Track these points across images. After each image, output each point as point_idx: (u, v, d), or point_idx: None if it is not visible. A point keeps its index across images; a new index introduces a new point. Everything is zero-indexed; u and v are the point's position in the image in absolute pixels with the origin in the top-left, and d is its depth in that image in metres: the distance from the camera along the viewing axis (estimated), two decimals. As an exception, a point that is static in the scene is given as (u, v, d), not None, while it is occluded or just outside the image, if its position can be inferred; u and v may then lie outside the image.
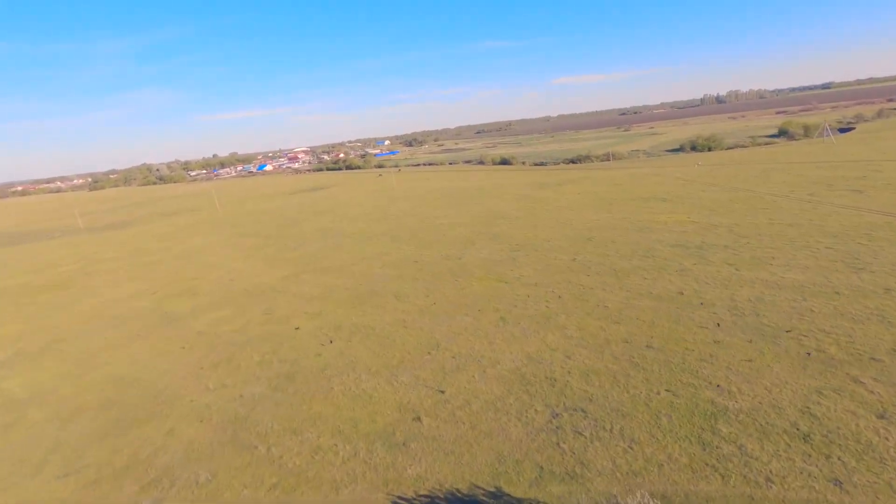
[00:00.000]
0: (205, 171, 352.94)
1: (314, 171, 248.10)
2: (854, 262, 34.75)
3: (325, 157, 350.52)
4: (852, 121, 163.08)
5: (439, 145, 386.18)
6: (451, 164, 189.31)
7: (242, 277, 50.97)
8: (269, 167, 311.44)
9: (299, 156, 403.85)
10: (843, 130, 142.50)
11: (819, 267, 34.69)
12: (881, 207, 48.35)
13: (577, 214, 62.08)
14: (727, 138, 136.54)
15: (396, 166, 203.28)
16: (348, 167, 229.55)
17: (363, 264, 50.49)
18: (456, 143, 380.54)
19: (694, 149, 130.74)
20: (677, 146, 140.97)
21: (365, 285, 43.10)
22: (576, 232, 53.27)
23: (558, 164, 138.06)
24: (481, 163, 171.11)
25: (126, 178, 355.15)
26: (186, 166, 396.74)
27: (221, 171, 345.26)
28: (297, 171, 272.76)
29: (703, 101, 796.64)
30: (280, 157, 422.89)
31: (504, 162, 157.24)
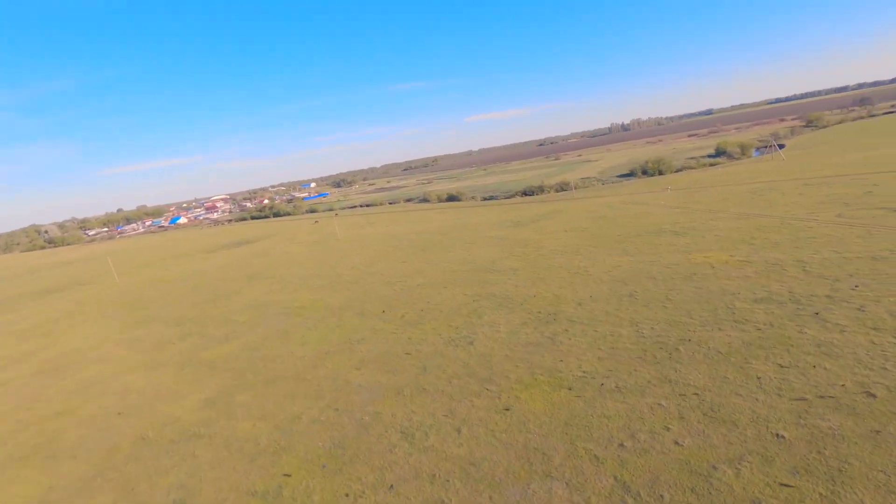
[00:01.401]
0: (106, 229, 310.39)
1: (237, 220, 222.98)
2: None
3: (248, 204, 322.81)
4: (769, 139, 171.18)
5: (371, 184, 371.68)
6: (391, 203, 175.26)
7: (139, 406, 32.78)
8: (183, 219, 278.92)
9: (218, 205, 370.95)
10: (768, 147, 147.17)
11: None
12: (950, 227, 40.83)
13: (587, 259, 50.03)
14: (671, 161, 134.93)
15: (332, 210, 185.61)
16: (276, 214, 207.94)
17: (329, 365, 34.35)
18: (388, 181, 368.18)
19: (645, 173, 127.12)
20: (627, 171, 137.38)
21: (345, 413, 27.16)
22: (604, 286, 40.81)
23: (512, 196, 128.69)
24: (426, 200, 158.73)
25: (7, 243, 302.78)
26: (84, 224, 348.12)
27: (126, 227, 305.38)
28: (216, 221, 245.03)
29: (610, 129, 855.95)
30: (196, 208, 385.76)
31: (452, 198, 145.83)
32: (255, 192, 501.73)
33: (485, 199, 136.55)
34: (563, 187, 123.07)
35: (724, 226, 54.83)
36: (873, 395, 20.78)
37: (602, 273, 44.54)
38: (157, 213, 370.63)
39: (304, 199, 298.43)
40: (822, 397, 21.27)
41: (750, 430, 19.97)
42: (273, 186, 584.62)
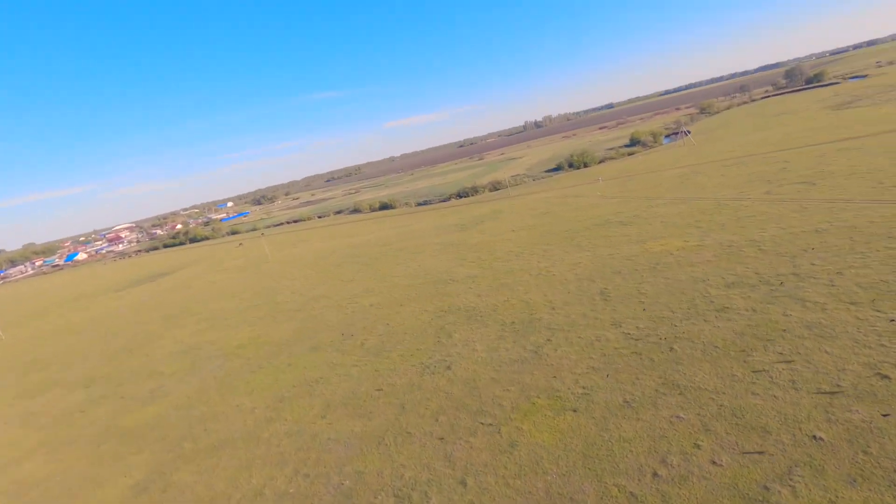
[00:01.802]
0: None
1: (148, 250, 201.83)
2: None
3: (159, 231, 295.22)
4: (675, 126, 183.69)
5: (294, 199, 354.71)
6: (321, 217, 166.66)
7: (45, 506, 25.70)
8: (82, 255, 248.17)
9: (122, 235, 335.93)
10: (676, 133, 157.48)
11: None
12: (863, 195, 43.43)
13: (545, 259, 48.25)
14: (594, 153, 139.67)
15: (256, 230, 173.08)
16: (193, 240, 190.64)
17: (288, 416, 29.20)
18: (313, 194, 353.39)
19: (571, 166, 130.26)
20: (554, 165, 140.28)
21: (318, 480, 22.48)
22: (572, 286, 38.98)
23: (448, 199, 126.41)
24: (357, 211, 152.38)
25: None
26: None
27: (12, 270, 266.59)
28: (123, 254, 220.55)
29: (525, 126, 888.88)
30: (97, 241, 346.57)
31: (386, 206, 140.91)
32: (164, 217, 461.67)
33: (420, 204, 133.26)
34: (496, 186, 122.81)
35: (665, 211, 55.62)
36: (886, 377, 19.93)
37: (565, 272, 42.80)
38: (49, 250, 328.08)
39: (222, 220, 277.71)
40: (838, 386, 20.12)
41: (784, 434, 18.22)
42: (185, 210, 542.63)
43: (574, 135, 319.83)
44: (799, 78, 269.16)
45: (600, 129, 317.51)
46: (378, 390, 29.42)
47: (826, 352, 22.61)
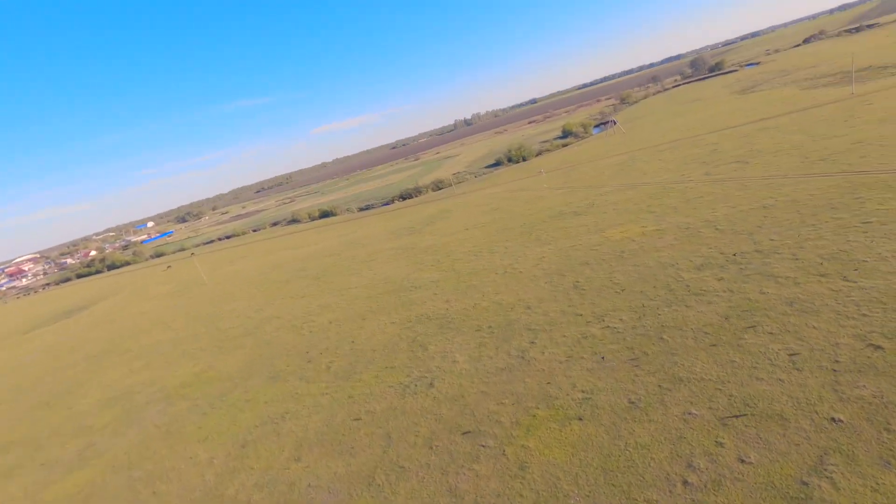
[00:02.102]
0: None
1: (58, 283, 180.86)
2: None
3: (69, 260, 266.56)
4: (600, 116, 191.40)
5: (223, 213, 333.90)
6: (256, 230, 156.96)
7: None
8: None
9: (25, 267, 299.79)
10: (606, 122, 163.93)
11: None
12: (795, 170, 45.89)
13: (507, 256, 46.86)
14: (530, 146, 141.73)
15: (184, 250, 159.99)
16: (112, 266, 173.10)
17: (255, 464, 25.44)
18: (244, 207, 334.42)
19: (510, 160, 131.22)
20: (493, 161, 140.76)
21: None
22: (542, 282, 37.77)
23: (391, 202, 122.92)
24: (296, 221, 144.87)
25: None
26: None
27: None
28: (28, 289, 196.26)
29: (455, 125, 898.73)
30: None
31: (326, 214, 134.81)
32: (75, 243, 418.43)
33: (362, 209, 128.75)
34: (439, 185, 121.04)
35: (615, 199, 56.22)
36: (880, 347, 19.94)
37: (532, 268, 41.56)
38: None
39: (143, 242, 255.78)
40: (837, 362, 19.88)
41: (802, 420, 17.52)
42: (99, 234, 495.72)
43: (505, 130, 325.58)
44: (703, 67, 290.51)
45: (529, 123, 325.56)
46: (356, 420, 26.36)
47: (813, 327, 22.54)
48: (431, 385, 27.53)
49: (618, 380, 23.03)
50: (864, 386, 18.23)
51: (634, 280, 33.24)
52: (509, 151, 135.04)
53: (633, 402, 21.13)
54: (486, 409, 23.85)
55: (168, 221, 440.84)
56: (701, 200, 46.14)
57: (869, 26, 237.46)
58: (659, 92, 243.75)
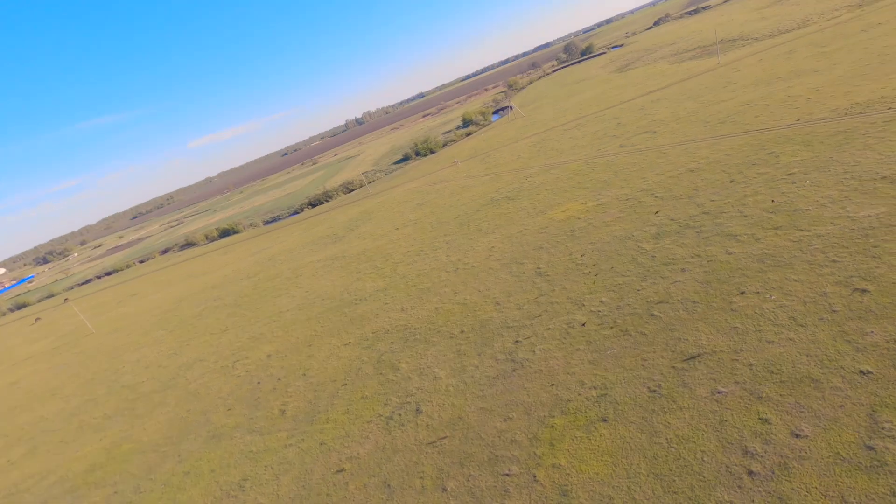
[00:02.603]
0: None
1: None
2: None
3: None
4: (493, 104, 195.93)
5: (96, 246, 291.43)
6: (143, 261, 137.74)
7: None
8: None
9: None
10: (502, 108, 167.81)
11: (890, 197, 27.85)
12: (701, 134, 48.71)
13: (453, 251, 44.11)
14: (435, 138, 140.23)
15: (54, 296, 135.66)
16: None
17: (220, 555, 20.03)
18: (121, 237, 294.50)
19: (418, 154, 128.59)
20: (401, 156, 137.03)
21: None
22: (503, 273, 35.61)
23: (300, 211, 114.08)
24: (191, 244, 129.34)
25: None
26: None
27: None
28: None
29: (347, 125, 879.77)
30: None
31: (227, 233, 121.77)
32: None
33: (268, 222, 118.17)
34: (349, 187, 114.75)
35: (543, 179, 55.98)
36: (865, 290, 20.26)
37: (485, 261, 39.23)
38: None
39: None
40: (834, 311, 19.86)
41: (833, 378, 16.92)
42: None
43: (401, 126, 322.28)
44: (575, 51, 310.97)
45: (424, 116, 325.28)
46: (339, 472, 21.97)
47: (794, 280, 22.65)
48: (419, 411, 23.92)
49: (626, 368, 21.35)
50: (872, 332, 18.17)
51: (597, 258, 32.22)
52: (415, 145, 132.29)
53: (654, 391, 19.48)
54: (493, 428, 20.89)
55: (25, 265, 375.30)
56: (628, 171, 47.04)
57: (704, 8, 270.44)
58: (542, 76, 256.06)
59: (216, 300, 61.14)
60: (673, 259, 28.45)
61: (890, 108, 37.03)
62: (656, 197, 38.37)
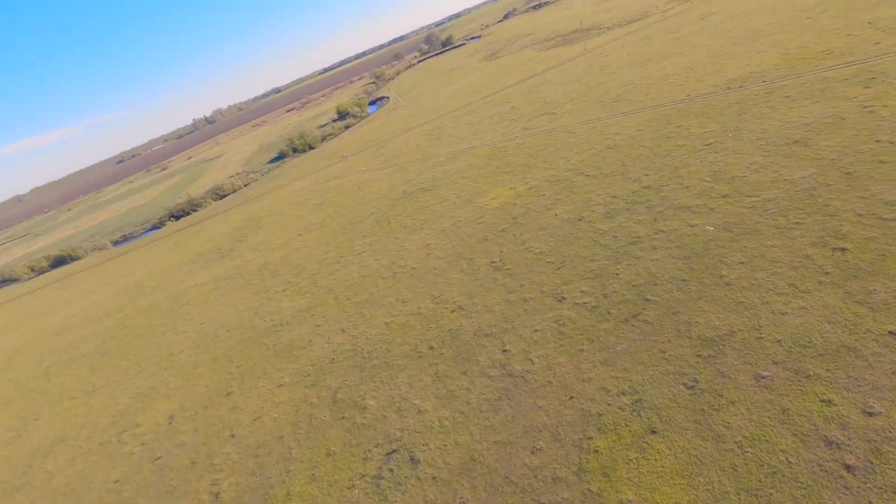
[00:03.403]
0: None
1: None
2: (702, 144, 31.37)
3: None
4: (365, 95, 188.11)
5: None
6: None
7: None
8: None
9: None
10: (378, 99, 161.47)
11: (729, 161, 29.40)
12: (602, 112, 49.96)
13: (383, 254, 38.76)
14: (313, 133, 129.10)
15: None
16: None
17: None
18: None
19: (296, 150, 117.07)
20: (275, 154, 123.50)
21: None
22: (455, 274, 31.63)
23: (162, 225, 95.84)
24: (12, 281, 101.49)
25: None
26: None
27: None
28: None
29: (195, 125, 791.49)
30: None
31: (63, 261, 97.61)
32: None
33: (118, 242, 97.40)
34: (221, 193, 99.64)
35: (455, 167, 52.92)
36: (845, 249, 20.53)
37: (425, 260, 34.75)
38: None
39: None
40: (828, 273, 19.70)
41: (870, 344, 16.27)
42: None
43: (264, 122, 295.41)
44: (436, 42, 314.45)
45: (289, 111, 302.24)
46: None
47: (772, 246, 22.46)
48: (415, 460, 18.98)
49: (647, 364, 19.01)
50: (875, 289, 18.10)
51: (554, 245, 29.92)
52: (291, 141, 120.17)
53: (692, 387, 17.34)
54: (522, 466, 17.00)
55: None
56: (545, 153, 46.04)
57: (546, 3, 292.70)
58: (409, 67, 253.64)
59: (68, 350, 46.97)
60: (637, 237, 27.18)
61: (764, 81, 40.74)
62: (587, 176, 37.49)
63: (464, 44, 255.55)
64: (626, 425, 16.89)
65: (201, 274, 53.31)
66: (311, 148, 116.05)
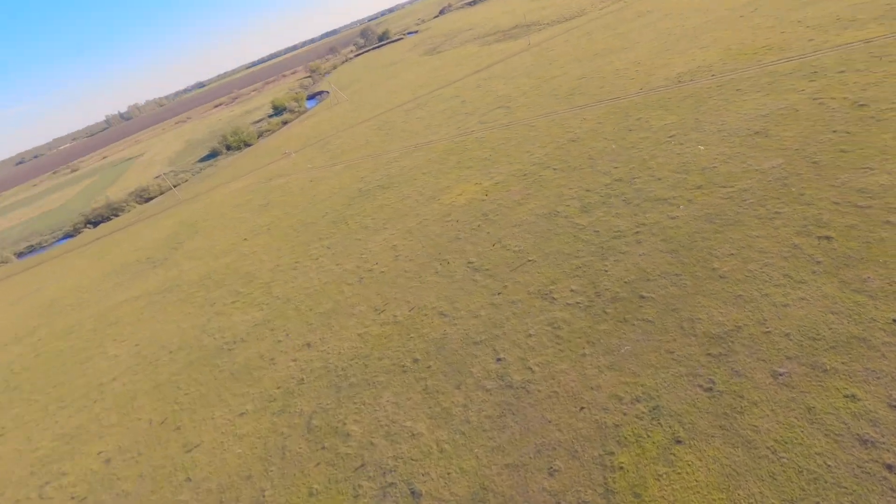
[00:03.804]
0: None
1: None
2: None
3: None
4: (300, 89, 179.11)
5: None
6: None
7: None
8: None
9: None
10: (316, 93, 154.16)
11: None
12: (558, 105, 49.56)
13: (344, 259, 35.72)
14: (248, 129, 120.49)
15: None
16: None
17: None
18: None
19: (230, 148, 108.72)
20: (206, 152, 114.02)
21: None
22: (430, 277, 29.44)
23: (78, 232, 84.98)
24: None
25: None
26: None
27: None
28: None
29: (109, 121, 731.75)
30: None
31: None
32: None
33: (23, 254, 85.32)
34: (146, 195, 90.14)
35: (412, 163, 50.49)
36: (829, 238, 20.63)
37: (393, 263, 32.20)
38: None
39: None
40: (819, 263, 19.63)
41: (878, 333, 16.08)
42: None
43: (190, 118, 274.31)
44: (372, 36, 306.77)
45: (217, 107, 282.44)
46: None
47: (757, 236, 22.28)
48: (416, 494, 16.72)
49: (657, 366, 17.94)
50: (870, 277, 18.12)
51: (533, 242, 28.55)
52: (224, 138, 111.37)
53: (709, 389, 16.42)
54: (542, 491, 15.29)
55: None
56: (506, 147, 44.79)
57: (481, 0, 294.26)
58: (346, 61, 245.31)
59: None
60: (619, 231, 26.36)
61: (713, 75, 41.83)
62: (555, 170, 36.55)
63: (401, 38, 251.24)
64: (648, 436, 15.64)
65: (131, 287, 47.08)
66: (248, 145, 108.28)
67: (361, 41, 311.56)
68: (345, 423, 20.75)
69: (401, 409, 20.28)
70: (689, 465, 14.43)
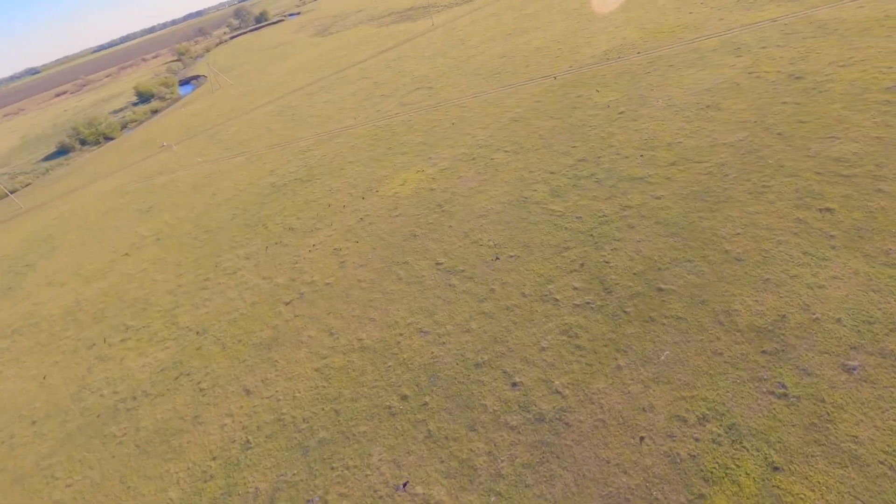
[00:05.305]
0: None
1: None
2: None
3: None
4: (167, 73, 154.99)
5: None
6: None
7: None
8: None
9: None
10: (190, 78, 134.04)
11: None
12: (485, 85, 46.26)
13: (275, 272, 28.70)
14: (108, 120, 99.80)
15: None
16: None
17: None
18: None
19: (86, 143, 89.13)
20: (54, 149, 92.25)
21: None
22: (392, 286, 24.21)
23: None
24: None
25: None
26: None
27: None
28: None
29: None
30: None
31: None
32: None
33: None
34: (-31, 205, 69.57)
35: (335, 151, 43.75)
36: (832, 210, 19.65)
37: (340, 272, 26.26)
38: None
39: None
40: (832, 237, 18.44)
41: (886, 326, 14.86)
42: None
43: (23, 109, 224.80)
44: (249, 18, 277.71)
45: (59, 96, 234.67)
46: None
47: (757, 212, 20.80)
48: None
49: (711, 373, 15.18)
50: (891, 249, 17.12)
51: (509, 234, 24.71)
52: (76, 131, 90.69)
53: (782, 396, 13.98)
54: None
55: None
56: (441, 129, 40.31)
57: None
58: (220, 43, 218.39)
59: None
60: (605, 216, 23.57)
61: (639, 53, 41.35)
62: (506, 152, 33.02)
63: (282, 20, 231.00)
64: (738, 466, 12.67)
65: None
66: (109, 138, 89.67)
67: (236, 22, 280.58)
68: (325, 495, 15.11)
69: (403, 470, 15.21)
70: (801, 499, 11.67)
